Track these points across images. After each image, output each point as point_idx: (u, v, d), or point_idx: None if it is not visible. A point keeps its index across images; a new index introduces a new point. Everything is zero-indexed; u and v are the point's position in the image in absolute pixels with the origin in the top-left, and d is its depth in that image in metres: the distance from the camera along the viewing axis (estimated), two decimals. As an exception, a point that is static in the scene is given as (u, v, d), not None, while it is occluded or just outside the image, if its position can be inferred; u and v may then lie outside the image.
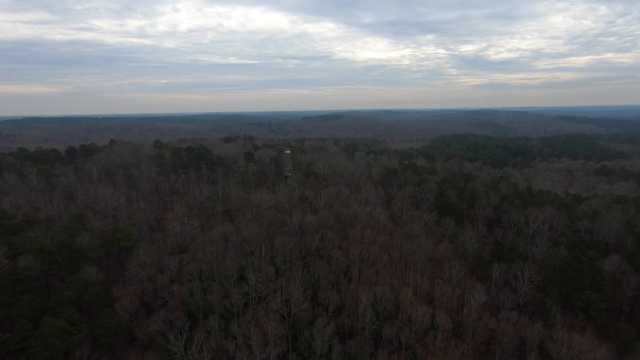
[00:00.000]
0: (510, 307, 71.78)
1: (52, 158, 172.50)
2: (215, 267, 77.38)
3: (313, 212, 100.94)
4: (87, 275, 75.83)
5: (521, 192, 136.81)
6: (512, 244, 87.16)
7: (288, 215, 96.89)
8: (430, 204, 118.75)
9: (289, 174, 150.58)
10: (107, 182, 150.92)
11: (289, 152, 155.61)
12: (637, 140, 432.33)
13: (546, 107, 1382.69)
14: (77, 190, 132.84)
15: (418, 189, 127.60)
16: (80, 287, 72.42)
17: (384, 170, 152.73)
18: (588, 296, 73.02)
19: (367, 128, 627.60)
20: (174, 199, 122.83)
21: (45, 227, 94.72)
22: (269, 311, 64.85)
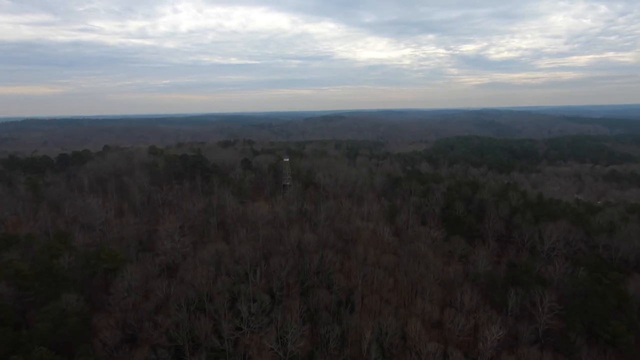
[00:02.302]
0: (529, 339, 65.20)
1: (43, 166, 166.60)
2: (205, 294, 71.10)
3: (312, 228, 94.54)
4: (65, 303, 69.71)
5: (531, 202, 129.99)
6: (528, 265, 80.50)
7: (286, 232, 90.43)
8: (437, 216, 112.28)
9: (288, 183, 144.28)
10: (98, 192, 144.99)
11: (287, 160, 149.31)
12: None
13: (548, 106, 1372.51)
14: (66, 201, 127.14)
15: (423, 200, 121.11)
16: (56, 318, 66.24)
17: (387, 178, 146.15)
18: (615, 327, 66.34)
19: (369, 129, 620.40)
20: (166, 212, 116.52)
21: (26, 246, 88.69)
22: (263, 349, 58.43)
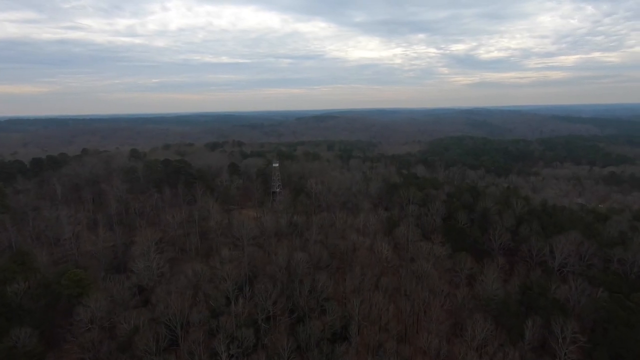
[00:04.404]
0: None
1: (13, 171, 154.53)
2: (180, 325, 61.81)
3: (303, 244, 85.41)
4: (15, 340, 59.79)
5: (536, 209, 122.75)
6: (542, 287, 72.52)
7: (273, 250, 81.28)
8: (438, 227, 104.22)
9: (278, 190, 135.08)
10: (72, 201, 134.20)
11: (277, 165, 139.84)
12: (637, 141, 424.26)
13: (538, 105, 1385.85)
14: (36, 211, 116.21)
15: (423, 209, 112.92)
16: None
17: (383, 184, 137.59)
18: (646, 362, 58.60)
19: (362, 129, 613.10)
20: (143, 225, 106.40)
21: (-23, 269, 77.93)
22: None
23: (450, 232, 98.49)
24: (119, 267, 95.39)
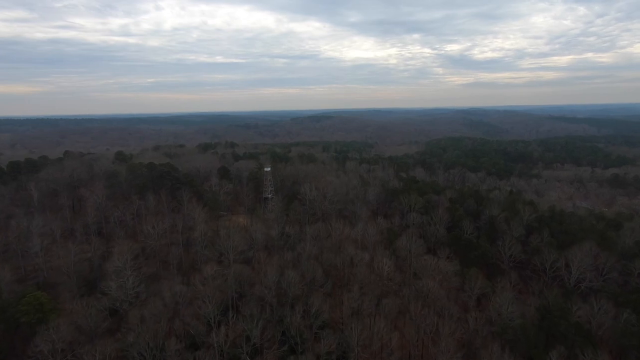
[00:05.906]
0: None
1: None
2: (151, 357, 53.49)
3: (295, 259, 77.21)
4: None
5: (545, 217, 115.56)
6: (563, 310, 64.86)
7: (262, 268, 72.94)
8: (442, 237, 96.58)
9: (270, 196, 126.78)
10: (51, 207, 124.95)
11: (269, 169, 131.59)
12: (634, 142, 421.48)
13: (532, 105, 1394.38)
14: (7, 220, 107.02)
15: (425, 217, 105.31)
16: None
17: (382, 189, 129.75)
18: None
19: (357, 129, 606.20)
20: (121, 236, 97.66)
21: None
22: None
23: (456, 243, 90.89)
24: (94, 282, 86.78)
